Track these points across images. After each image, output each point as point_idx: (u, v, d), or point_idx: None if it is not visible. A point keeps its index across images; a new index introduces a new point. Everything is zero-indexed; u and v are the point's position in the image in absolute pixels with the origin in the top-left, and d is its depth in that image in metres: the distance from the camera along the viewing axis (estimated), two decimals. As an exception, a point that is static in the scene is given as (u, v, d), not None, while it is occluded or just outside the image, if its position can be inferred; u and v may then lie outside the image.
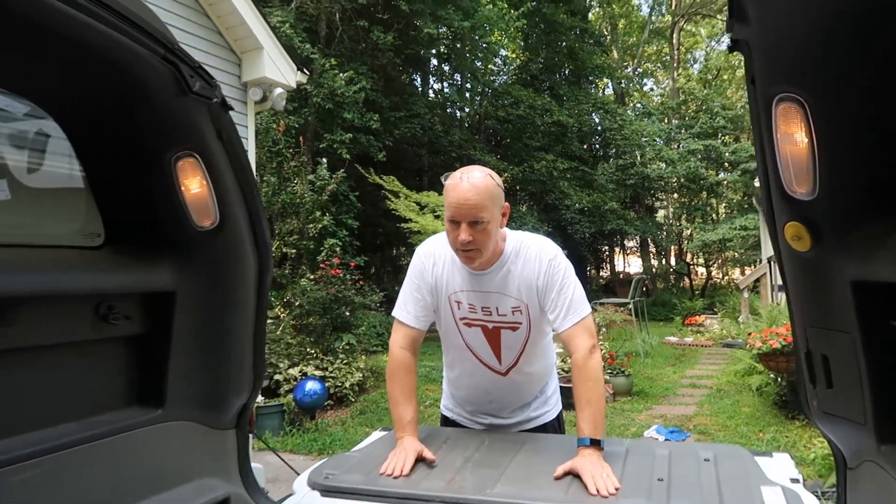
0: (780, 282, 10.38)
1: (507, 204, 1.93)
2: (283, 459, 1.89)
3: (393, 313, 2.08)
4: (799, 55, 0.95)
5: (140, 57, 1.14)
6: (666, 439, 5.38)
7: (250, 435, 1.80)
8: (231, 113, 4.74)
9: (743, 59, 1.08)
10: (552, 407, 2.25)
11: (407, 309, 2.04)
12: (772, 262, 10.55)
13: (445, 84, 20.35)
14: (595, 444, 1.76)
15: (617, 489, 1.63)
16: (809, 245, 1.09)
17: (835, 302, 1.10)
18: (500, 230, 1.95)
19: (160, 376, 1.44)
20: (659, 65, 32.53)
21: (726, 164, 22.10)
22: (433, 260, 2.04)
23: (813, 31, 0.90)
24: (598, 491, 1.61)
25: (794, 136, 1.04)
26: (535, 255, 1.96)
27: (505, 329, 2.01)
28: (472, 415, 2.23)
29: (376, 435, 2.29)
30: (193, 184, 1.38)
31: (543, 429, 2.20)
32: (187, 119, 1.30)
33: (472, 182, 1.80)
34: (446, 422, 2.31)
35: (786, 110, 1.02)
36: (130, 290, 1.40)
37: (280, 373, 6.77)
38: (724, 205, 26.11)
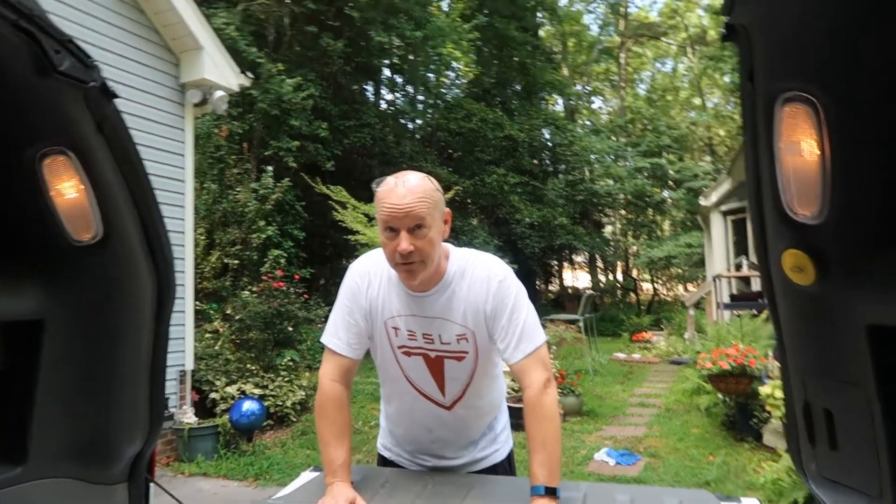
0: (725, 300, 10.49)
1: (448, 210, 1.73)
2: (178, 500, 1.62)
3: (322, 339, 1.82)
4: (818, 42, 0.76)
5: None
6: (617, 463, 5.24)
7: (150, 485, 1.52)
8: (167, 115, 4.40)
9: (739, 51, 0.89)
10: (502, 445, 2.02)
11: (338, 335, 1.79)
12: (717, 280, 10.66)
13: (397, 95, 20.15)
14: (550, 492, 1.56)
15: None
16: (813, 278, 0.90)
17: (843, 349, 0.91)
18: (442, 246, 1.72)
19: (21, 425, 1.15)
20: (607, 83, 33.14)
21: (671, 183, 22.60)
22: (368, 280, 1.80)
23: (841, 11, 0.71)
24: None
25: (799, 144, 0.85)
26: (482, 276, 1.73)
27: (449, 359, 1.77)
28: (413, 455, 1.99)
29: (305, 477, 2.03)
30: (67, 188, 1.11)
31: (493, 470, 1.97)
32: (55, 107, 1.04)
33: (409, 186, 1.60)
34: (384, 462, 2.06)
35: (792, 113, 0.83)
36: None
37: (217, 391, 6.39)
38: (668, 222, 26.68)
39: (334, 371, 1.78)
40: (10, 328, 1.16)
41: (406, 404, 1.89)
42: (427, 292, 1.73)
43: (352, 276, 1.83)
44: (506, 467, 2.01)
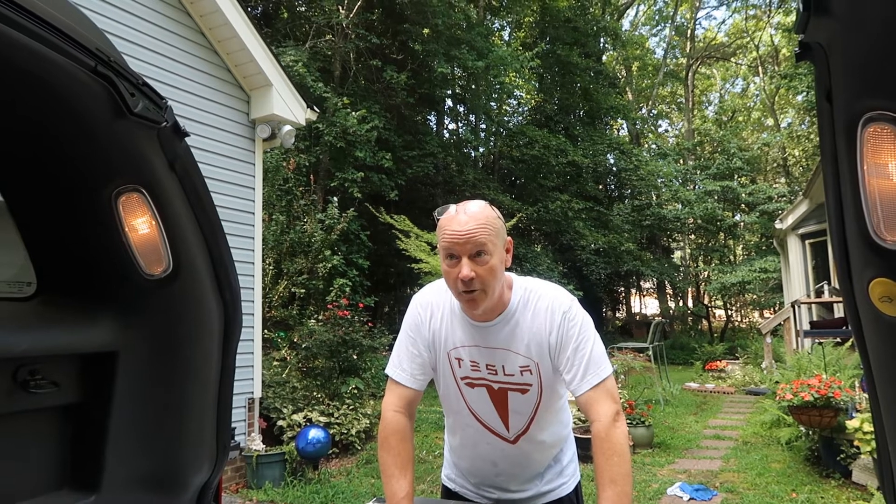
0: (805, 327, 9.98)
1: (510, 238, 1.70)
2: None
3: (386, 370, 1.81)
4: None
5: (63, 70, 0.93)
6: (691, 498, 5.01)
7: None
8: (238, 150, 4.57)
9: (815, 70, 0.84)
10: (569, 478, 1.95)
11: (402, 367, 1.78)
12: (796, 307, 10.17)
13: (460, 124, 20.37)
14: None
15: None
16: None
17: None
18: (505, 276, 1.70)
19: (96, 455, 1.19)
20: (673, 106, 32.60)
21: (743, 206, 21.87)
22: (430, 311, 1.79)
23: None
24: None
25: (886, 167, 0.80)
26: (546, 307, 1.70)
27: (513, 391, 1.73)
28: (478, 487, 1.95)
29: (368, 508, 2.01)
30: (141, 224, 1.15)
31: (560, 503, 1.91)
32: (130, 147, 1.08)
33: (470, 213, 1.60)
34: (448, 493, 2.03)
35: (877, 133, 0.78)
36: (60, 351, 1.16)
37: (284, 418, 6.49)
38: (741, 247, 25.78)
39: (397, 402, 1.76)
40: (85, 360, 1.21)
41: (470, 437, 1.86)
42: (490, 322, 1.71)
43: (414, 308, 1.83)
44: (573, 500, 1.94)
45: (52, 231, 1.19)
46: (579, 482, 2.01)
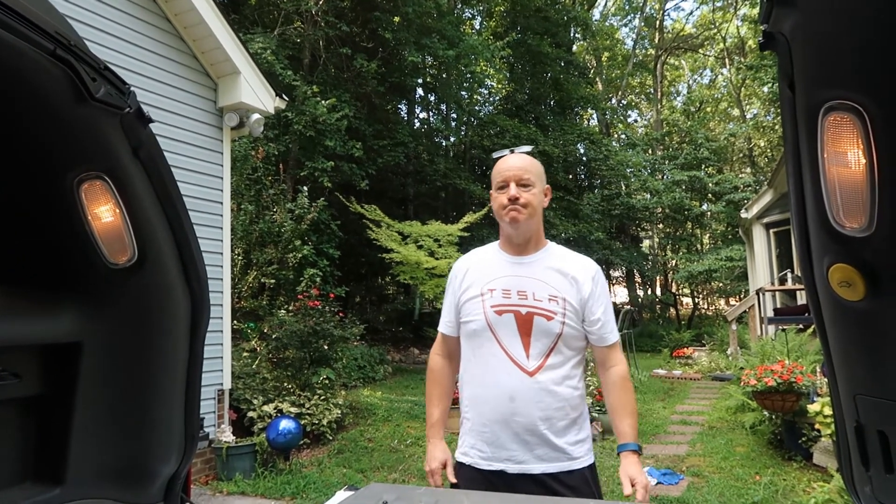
0: (769, 314, 10.21)
1: (548, 186, 2.10)
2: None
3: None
4: (863, 49, 0.73)
5: (20, 53, 0.90)
6: (658, 482, 5.11)
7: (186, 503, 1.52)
8: (205, 138, 4.48)
9: (778, 60, 0.86)
10: (586, 454, 1.98)
11: (442, 319, 2.20)
12: (760, 294, 10.40)
13: (431, 113, 20.29)
14: (638, 450, 1.95)
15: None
16: (862, 294, 0.86)
17: None
18: (541, 221, 2.10)
19: (60, 447, 1.17)
20: (643, 97, 32.91)
21: (710, 195, 22.24)
22: (467, 265, 2.14)
23: (888, 16, 0.68)
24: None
25: (845, 155, 0.82)
26: (581, 259, 2.08)
27: (539, 315, 1.94)
28: (493, 446, 1.94)
29: (339, 496, 2.01)
30: (104, 212, 1.13)
31: (578, 475, 1.93)
32: (92, 133, 1.06)
33: (520, 156, 2.03)
34: (462, 469, 2.03)
35: (837, 122, 0.80)
36: (22, 342, 1.13)
37: (254, 409, 6.43)
38: (708, 235, 26.24)
39: (438, 347, 2.22)
40: (48, 351, 1.18)
41: (490, 371, 1.97)
42: (527, 256, 2.05)
43: (452, 271, 2.20)
44: (587, 477, 1.95)
45: (11, 219, 1.16)
46: (594, 463, 2.04)
